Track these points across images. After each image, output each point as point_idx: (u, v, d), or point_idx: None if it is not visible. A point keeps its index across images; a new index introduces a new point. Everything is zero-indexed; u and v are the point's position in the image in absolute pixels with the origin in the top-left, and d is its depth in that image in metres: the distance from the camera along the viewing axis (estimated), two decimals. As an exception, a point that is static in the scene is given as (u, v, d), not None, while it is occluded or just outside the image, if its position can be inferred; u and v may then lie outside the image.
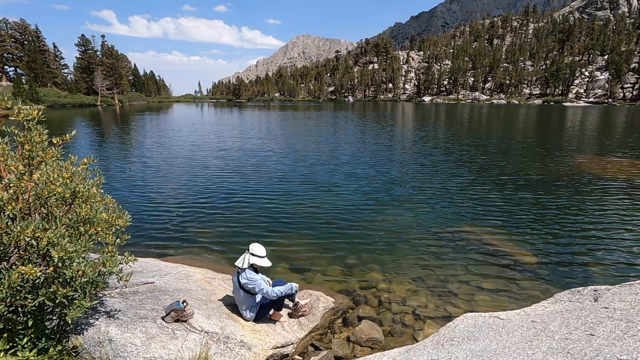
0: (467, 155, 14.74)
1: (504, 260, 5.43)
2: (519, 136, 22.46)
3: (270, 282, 3.84)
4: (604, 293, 2.74)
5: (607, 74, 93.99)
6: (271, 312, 3.69)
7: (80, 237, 2.33)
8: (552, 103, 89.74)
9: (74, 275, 2.15)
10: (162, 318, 3.02)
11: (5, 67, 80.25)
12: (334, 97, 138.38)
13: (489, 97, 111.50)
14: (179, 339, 2.84)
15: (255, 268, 3.56)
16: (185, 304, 3.11)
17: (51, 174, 2.19)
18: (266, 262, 3.55)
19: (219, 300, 3.73)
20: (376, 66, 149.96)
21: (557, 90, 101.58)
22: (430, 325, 3.90)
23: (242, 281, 3.43)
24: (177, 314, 3.01)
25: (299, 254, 5.70)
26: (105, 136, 22.51)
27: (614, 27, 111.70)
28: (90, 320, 2.75)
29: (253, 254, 3.50)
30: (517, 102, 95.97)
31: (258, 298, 3.57)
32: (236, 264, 3.52)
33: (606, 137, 21.14)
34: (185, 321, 3.04)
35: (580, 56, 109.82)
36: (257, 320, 3.57)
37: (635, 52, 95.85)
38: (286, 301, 3.93)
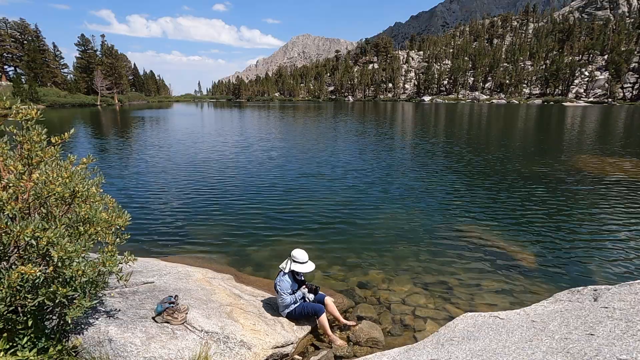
0: (466, 155, 14.74)
1: (504, 260, 5.43)
2: (519, 136, 22.47)
3: (310, 298, 3.87)
4: (604, 293, 2.74)
5: (607, 73, 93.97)
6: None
7: (80, 236, 2.32)
8: (552, 103, 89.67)
9: (73, 274, 2.15)
10: (153, 318, 2.97)
11: (5, 66, 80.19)
12: (334, 96, 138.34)
13: (488, 96, 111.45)
14: (179, 338, 2.84)
15: (294, 275, 3.81)
16: (176, 298, 3.09)
17: (50, 174, 2.19)
18: (307, 268, 3.74)
19: (219, 300, 3.73)
20: (376, 66, 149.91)
21: (557, 90, 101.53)
22: (430, 325, 3.90)
23: (275, 281, 3.75)
24: (168, 313, 2.98)
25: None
26: (105, 136, 22.49)
27: (614, 27, 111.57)
28: (90, 320, 2.74)
29: (294, 260, 3.73)
30: (517, 102, 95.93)
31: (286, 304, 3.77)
32: (280, 266, 3.80)
33: (606, 137, 21.14)
34: (178, 317, 3.00)
35: (580, 56, 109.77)
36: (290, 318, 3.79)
37: (635, 52, 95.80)
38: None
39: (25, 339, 2.14)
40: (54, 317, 2.42)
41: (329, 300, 3.89)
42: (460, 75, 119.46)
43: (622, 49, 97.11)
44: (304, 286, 3.86)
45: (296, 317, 3.75)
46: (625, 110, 58.48)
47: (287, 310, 3.74)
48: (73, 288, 2.19)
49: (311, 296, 3.83)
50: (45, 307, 2.36)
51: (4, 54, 78.61)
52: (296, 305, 3.74)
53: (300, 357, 3.47)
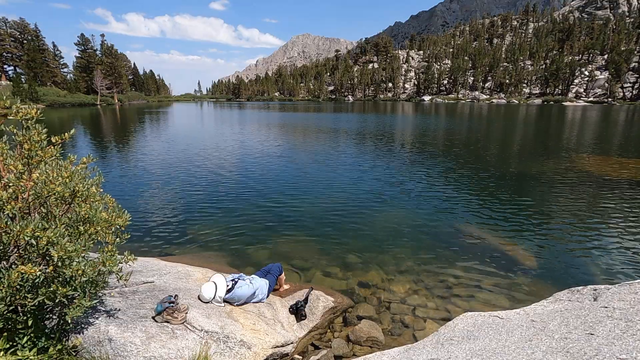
0: (466, 155, 14.74)
1: (503, 260, 5.43)
2: (519, 136, 22.47)
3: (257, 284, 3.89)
4: (604, 292, 2.74)
5: (607, 73, 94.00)
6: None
7: (80, 236, 2.32)
8: (552, 102, 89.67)
9: (73, 274, 2.15)
10: (153, 318, 2.97)
11: (5, 66, 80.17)
12: (334, 96, 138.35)
13: (488, 96, 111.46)
14: (179, 338, 2.84)
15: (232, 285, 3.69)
16: (176, 297, 3.09)
17: (50, 173, 2.19)
18: (207, 288, 3.50)
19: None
20: (376, 65, 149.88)
21: (557, 89, 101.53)
22: (430, 325, 3.91)
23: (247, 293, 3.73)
24: (168, 313, 2.98)
25: (299, 253, 5.70)
26: (105, 135, 22.48)
27: (614, 27, 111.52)
28: (90, 320, 2.74)
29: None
30: (517, 102, 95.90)
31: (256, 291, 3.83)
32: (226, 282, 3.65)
33: (606, 137, 21.14)
34: (178, 316, 2.99)
35: (580, 55, 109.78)
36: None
37: (635, 52, 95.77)
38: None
39: (25, 339, 2.14)
40: (54, 317, 2.42)
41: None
42: (460, 75, 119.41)
43: (622, 48, 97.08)
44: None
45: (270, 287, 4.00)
46: (625, 109, 58.48)
47: (264, 294, 3.88)
48: (73, 288, 2.19)
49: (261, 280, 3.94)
50: (45, 307, 2.36)
51: (4, 54, 78.58)
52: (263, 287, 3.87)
53: (300, 357, 3.47)
